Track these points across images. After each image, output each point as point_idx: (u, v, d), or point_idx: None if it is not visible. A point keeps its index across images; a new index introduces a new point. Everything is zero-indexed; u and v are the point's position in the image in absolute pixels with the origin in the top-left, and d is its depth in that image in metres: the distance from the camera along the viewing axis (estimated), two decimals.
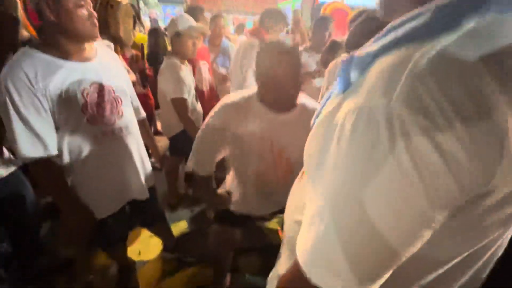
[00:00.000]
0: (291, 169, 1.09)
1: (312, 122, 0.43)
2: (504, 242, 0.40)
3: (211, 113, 1.11)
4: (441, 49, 0.26)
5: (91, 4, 0.96)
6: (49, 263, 1.53)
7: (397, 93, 0.26)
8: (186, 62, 1.80)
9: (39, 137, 0.91)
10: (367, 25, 1.17)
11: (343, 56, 1.31)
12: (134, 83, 1.58)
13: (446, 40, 0.26)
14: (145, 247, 1.71)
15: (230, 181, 1.28)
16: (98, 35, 1.00)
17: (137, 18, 2.49)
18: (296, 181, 0.60)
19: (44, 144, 0.92)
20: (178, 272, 1.56)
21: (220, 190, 1.28)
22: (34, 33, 1.29)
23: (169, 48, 1.84)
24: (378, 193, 0.28)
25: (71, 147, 1.00)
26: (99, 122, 1.03)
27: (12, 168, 1.25)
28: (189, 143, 1.79)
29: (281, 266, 0.58)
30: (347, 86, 0.35)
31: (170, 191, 2.14)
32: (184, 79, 1.66)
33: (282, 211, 1.23)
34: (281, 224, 2.01)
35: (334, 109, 0.34)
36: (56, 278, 1.49)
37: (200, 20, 2.20)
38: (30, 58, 0.89)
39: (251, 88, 1.11)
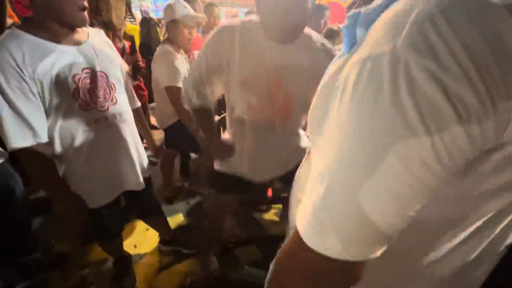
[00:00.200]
0: (289, 102, 1.03)
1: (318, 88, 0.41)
2: None
3: (208, 37, 1.04)
4: None
5: None
6: (43, 258, 1.48)
7: (403, 37, 0.23)
8: (182, 51, 1.76)
9: (28, 123, 0.86)
10: None
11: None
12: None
13: None
14: (141, 240, 1.68)
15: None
16: (88, 20, 0.96)
17: (128, 9, 2.42)
18: (303, 162, 0.58)
19: (33, 130, 0.87)
20: (176, 265, 1.54)
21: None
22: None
23: (162, 39, 1.79)
24: (381, 146, 0.25)
25: (63, 134, 0.96)
26: (92, 108, 0.99)
27: (0, 160, 1.20)
28: (185, 135, 1.77)
29: None
30: (353, 45, 0.32)
31: (165, 184, 2.11)
32: (179, 68, 1.62)
33: (280, 179, 1.22)
34: (280, 215, 2.01)
35: (338, 69, 0.32)
36: (51, 274, 1.46)
37: (195, 9, 2.14)
38: (18, 39, 0.84)
39: (251, 16, 1.04)
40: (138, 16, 4.73)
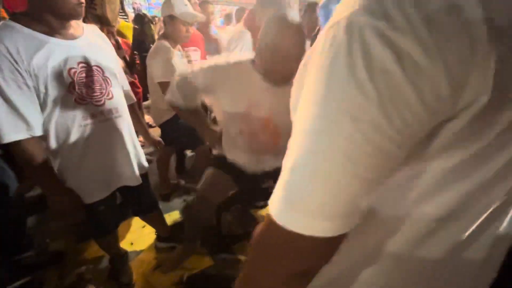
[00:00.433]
0: (279, 135, 1.11)
1: None
2: None
3: (199, 69, 1.12)
4: None
5: None
6: (39, 257, 1.46)
7: (359, 3, 0.24)
8: (179, 47, 1.75)
9: (21, 115, 0.85)
10: None
11: None
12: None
13: None
14: (138, 237, 1.67)
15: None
16: (83, 13, 0.95)
17: (120, 6, 2.40)
18: None
19: (27, 123, 0.86)
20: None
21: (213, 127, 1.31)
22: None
23: (156, 36, 1.77)
24: (336, 109, 0.25)
25: (58, 128, 0.95)
26: (88, 103, 0.98)
27: None
28: (180, 131, 1.76)
29: None
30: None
31: (161, 181, 2.10)
32: (175, 64, 1.61)
33: (275, 173, 1.23)
34: None
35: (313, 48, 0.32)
36: (47, 271, 1.44)
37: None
38: (12, 31, 0.83)
39: (240, 55, 1.12)
40: (131, 14, 4.68)
